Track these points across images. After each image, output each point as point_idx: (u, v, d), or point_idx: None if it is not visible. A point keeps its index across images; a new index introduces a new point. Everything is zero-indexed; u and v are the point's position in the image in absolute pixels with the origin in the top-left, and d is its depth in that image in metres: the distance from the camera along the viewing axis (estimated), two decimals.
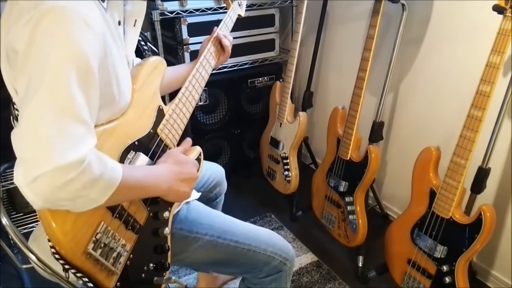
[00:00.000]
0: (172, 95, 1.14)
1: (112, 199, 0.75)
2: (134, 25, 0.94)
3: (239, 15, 1.38)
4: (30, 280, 1.69)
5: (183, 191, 0.94)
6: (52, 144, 0.66)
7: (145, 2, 0.95)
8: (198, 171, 1.06)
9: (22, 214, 1.82)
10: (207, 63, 1.18)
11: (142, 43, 1.05)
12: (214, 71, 1.69)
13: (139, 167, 0.89)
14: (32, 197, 0.67)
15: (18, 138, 0.68)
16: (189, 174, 0.95)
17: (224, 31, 1.27)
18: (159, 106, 0.98)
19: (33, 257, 0.84)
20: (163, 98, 1.01)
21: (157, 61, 0.99)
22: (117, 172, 0.75)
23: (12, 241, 1.28)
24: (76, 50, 0.69)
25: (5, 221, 0.92)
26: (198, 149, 1.09)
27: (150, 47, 1.07)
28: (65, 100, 0.68)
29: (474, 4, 1.49)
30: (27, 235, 0.94)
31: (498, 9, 1.18)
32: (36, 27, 0.68)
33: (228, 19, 1.31)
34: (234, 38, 2.08)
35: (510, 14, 1.15)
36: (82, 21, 0.70)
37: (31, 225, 1.79)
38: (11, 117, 0.82)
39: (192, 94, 1.09)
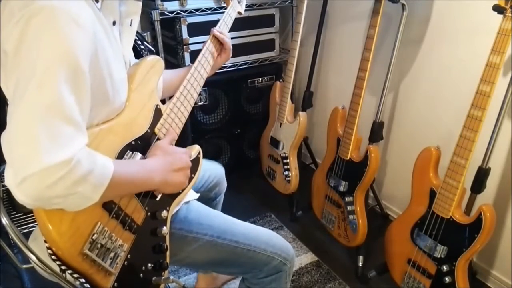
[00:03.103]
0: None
1: (106, 195, 0.75)
2: (130, 25, 0.94)
3: (238, 12, 1.37)
4: (30, 280, 1.69)
5: (179, 181, 0.94)
6: (40, 145, 0.66)
7: (140, 2, 0.95)
8: (197, 169, 1.06)
9: (22, 214, 1.82)
10: (206, 61, 1.17)
11: (139, 42, 1.04)
12: None
13: (131, 161, 0.88)
14: (21, 197, 0.67)
15: (7, 140, 0.68)
16: (181, 163, 0.95)
17: (223, 29, 1.25)
18: (157, 105, 0.98)
19: (33, 257, 0.84)
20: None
21: (154, 60, 0.98)
22: (108, 168, 0.75)
23: (12, 241, 1.28)
24: (65, 49, 0.69)
25: (5, 221, 0.92)
26: (197, 148, 1.09)
27: (147, 46, 1.06)
28: (54, 100, 0.68)
29: (474, 4, 1.48)
30: (27, 235, 0.94)
31: (498, 9, 1.17)
32: (26, 26, 0.68)
33: (228, 17, 1.30)
34: (234, 38, 2.11)
35: (510, 14, 1.15)
36: (72, 20, 0.70)
37: (31, 225, 1.79)
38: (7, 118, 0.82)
39: (190, 93, 1.09)
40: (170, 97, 1.06)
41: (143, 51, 1.04)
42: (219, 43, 1.23)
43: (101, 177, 0.73)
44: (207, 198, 1.37)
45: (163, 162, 0.91)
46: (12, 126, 0.68)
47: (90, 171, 0.70)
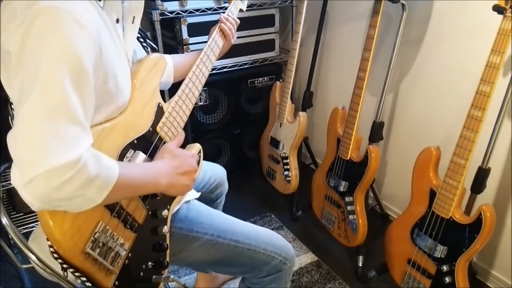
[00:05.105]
0: (172, 92, 1.13)
1: (110, 198, 0.75)
2: (132, 22, 0.94)
3: (240, 9, 1.38)
4: (30, 280, 1.69)
5: (184, 184, 0.94)
6: (46, 145, 0.66)
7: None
8: (197, 168, 1.06)
9: (22, 214, 1.83)
10: (207, 59, 1.17)
11: (141, 40, 1.05)
12: (214, 71, 1.68)
13: (137, 164, 0.88)
14: (29, 198, 0.67)
15: (13, 140, 0.68)
16: (187, 167, 0.95)
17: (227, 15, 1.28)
18: (159, 103, 0.98)
19: (33, 257, 0.84)
20: (162, 95, 1.01)
21: (157, 58, 0.98)
22: (113, 170, 0.75)
23: (12, 241, 1.28)
24: (69, 50, 0.69)
25: (5, 221, 0.91)
26: (197, 147, 1.09)
27: (150, 44, 1.07)
28: (59, 100, 0.68)
29: (474, 4, 1.49)
30: (27, 235, 0.94)
31: (498, 9, 1.18)
32: (29, 28, 0.68)
33: (230, 14, 1.30)
34: None
35: (510, 14, 1.15)
36: (75, 21, 0.70)
37: (31, 225, 1.80)
38: (9, 117, 0.82)
39: (192, 91, 1.09)
40: (171, 96, 1.06)
41: (146, 49, 1.04)
42: (224, 36, 1.26)
43: (106, 180, 0.73)
44: (208, 199, 1.37)
45: (170, 165, 0.91)
46: (18, 127, 0.68)
47: (96, 174, 0.71)
